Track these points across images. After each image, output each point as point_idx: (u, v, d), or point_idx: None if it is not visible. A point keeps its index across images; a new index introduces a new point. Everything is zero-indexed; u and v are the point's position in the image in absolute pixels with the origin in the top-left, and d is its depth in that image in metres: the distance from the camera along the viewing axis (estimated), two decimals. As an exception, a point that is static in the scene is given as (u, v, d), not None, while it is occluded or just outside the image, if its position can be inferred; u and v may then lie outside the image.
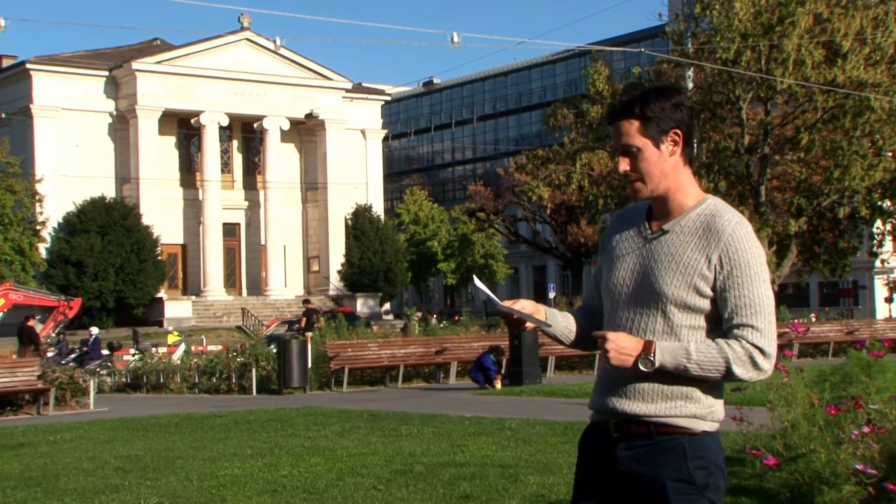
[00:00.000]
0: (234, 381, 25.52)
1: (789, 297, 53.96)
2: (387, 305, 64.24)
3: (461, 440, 12.57)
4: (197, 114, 58.24)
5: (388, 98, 73.17)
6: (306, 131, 63.45)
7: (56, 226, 53.44)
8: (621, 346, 3.26)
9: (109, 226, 53.05)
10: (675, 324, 3.31)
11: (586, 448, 3.51)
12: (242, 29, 59.89)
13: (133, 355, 35.08)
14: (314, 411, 17.56)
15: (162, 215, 56.91)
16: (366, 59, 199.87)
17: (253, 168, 63.09)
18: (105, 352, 31.88)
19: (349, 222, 62.74)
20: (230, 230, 60.95)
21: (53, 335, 34.89)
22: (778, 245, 34.95)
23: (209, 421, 16.73)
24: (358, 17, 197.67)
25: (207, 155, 58.72)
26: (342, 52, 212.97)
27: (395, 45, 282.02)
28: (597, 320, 3.55)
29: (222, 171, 60.50)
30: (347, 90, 64.07)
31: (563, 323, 3.54)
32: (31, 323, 30.62)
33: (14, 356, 28.04)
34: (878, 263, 58.94)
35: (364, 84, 68.76)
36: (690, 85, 33.59)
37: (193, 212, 59.55)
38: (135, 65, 56.65)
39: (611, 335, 3.28)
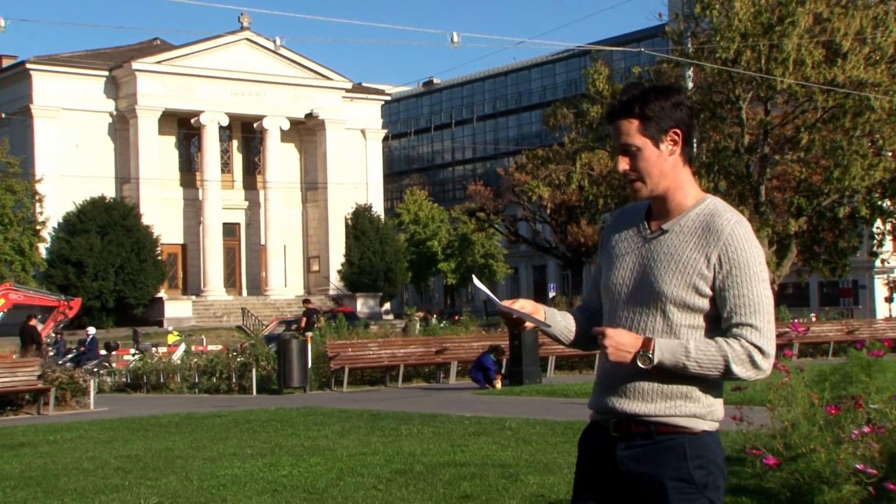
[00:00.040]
0: (234, 381, 25.52)
1: (789, 297, 53.96)
2: (387, 305, 64.25)
3: (461, 440, 12.57)
4: (197, 114, 58.25)
5: (388, 98, 73.17)
6: (306, 131, 63.46)
7: (56, 226, 53.45)
8: (620, 342, 3.26)
9: (109, 226, 53.06)
10: (675, 323, 3.31)
11: (586, 448, 3.51)
12: (242, 29, 59.89)
13: (133, 355, 35.08)
14: (314, 411, 17.56)
15: (162, 215, 56.92)
16: (366, 59, 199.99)
17: (253, 168, 63.10)
18: (102, 352, 31.84)
19: (349, 222, 62.75)
20: (230, 230, 60.96)
21: (52, 335, 34.88)
22: (778, 245, 34.96)
23: (209, 421, 16.73)
24: (358, 17, 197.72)
25: (207, 155, 58.73)
26: (342, 52, 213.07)
27: (395, 45, 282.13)
28: (596, 320, 3.55)
29: (222, 171, 60.50)
30: (347, 90, 64.08)
31: (563, 322, 3.54)
32: (33, 322, 30.61)
33: (15, 356, 28.02)
34: (878, 263, 58.96)
35: (364, 84, 68.78)
36: (690, 85, 33.60)
37: (193, 212, 59.56)
38: (135, 65, 56.66)
39: (610, 331, 3.29)
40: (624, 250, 3.47)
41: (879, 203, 36.98)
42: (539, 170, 43.49)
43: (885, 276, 61.60)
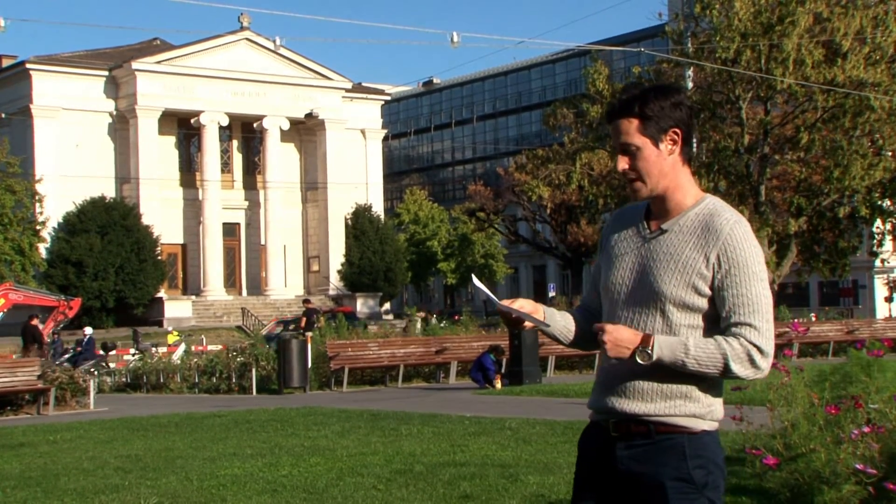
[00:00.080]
0: (234, 380, 25.52)
1: (789, 297, 53.97)
2: (387, 305, 64.25)
3: (461, 440, 12.57)
4: (197, 114, 58.24)
5: (388, 98, 73.17)
6: (306, 131, 63.46)
7: (56, 226, 53.43)
8: (619, 337, 3.26)
9: (109, 226, 53.06)
10: (674, 323, 3.31)
11: (586, 447, 3.51)
12: (242, 29, 59.89)
13: (133, 355, 35.06)
14: (314, 411, 17.56)
15: (162, 215, 56.91)
16: (366, 59, 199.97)
17: (253, 168, 63.10)
18: (99, 352, 31.81)
19: (349, 222, 62.75)
20: (230, 230, 60.95)
21: (51, 335, 34.86)
22: (778, 245, 34.96)
23: (209, 421, 16.73)
24: (358, 17, 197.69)
25: (207, 155, 58.73)
26: (342, 52, 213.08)
27: (395, 44, 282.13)
28: (596, 319, 3.54)
29: (222, 171, 60.50)
30: (347, 90, 64.07)
31: (562, 322, 3.54)
32: (34, 322, 30.61)
33: (14, 356, 28.03)
34: (878, 263, 58.95)
35: (364, 84, 68.77)
36: (690, 84, 33.59)
37: (193, 212, 59.55)
38: (135, 65, 56.65)
39: (609, 327, 3.29)
40: (623, 250, 3.47)
41: (879, 203, 36.98)
42: (539, 170, 43.49)
43: (885, 275, 61.60)
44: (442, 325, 36.64)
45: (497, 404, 18.12)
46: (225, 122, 59.34)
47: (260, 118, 60.20)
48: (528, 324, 3.46)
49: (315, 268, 63.16)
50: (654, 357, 3.24)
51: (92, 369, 27.12)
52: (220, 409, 19.16)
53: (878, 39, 32.74)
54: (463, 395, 20.76)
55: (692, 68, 34.12)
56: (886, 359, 7.54)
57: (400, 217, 76.76)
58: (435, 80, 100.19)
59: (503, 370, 22.69)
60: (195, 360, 28.52)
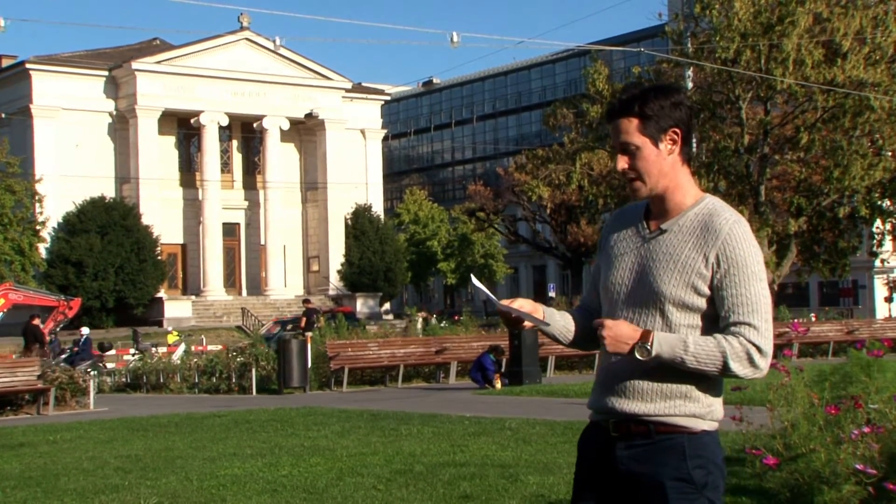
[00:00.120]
0: (234, 381, 25.52)
1: (789, 297, 53.97)
2: (387, 305, 64.26)
3: (461, 440, 12.57)
4: (197, 114, 58.24)
5: (388, 98, 73.17)
6: (306, 131, 63.46)
7: (56, 226, 53.44)
8: (619, 333, 3.26)
9: (109, 226, 53.05)
10: (674, 323, 3.31)
11: (586, 448, 3.51)
12: (242, 29, 59.89)
13: (133, 355, 35.05)
14: (314, 411, 17.56)
15: (162, 215, 56.91)
16: (366, 59, 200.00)
17: (253, 168, 63.10)
18: (96, 352, 31.78)
19: (349, 222, 62.75)
20: (230, 230, 60.95)
21: (49, 335, 34.85)
22: (778, 245, 34.95)
23: (209, 421, 16.74)
24: (358, 17, 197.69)
25: (207, 155, 58.73)
26: (342, 52, 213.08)
27: (395, 45, 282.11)
28: (595, 319, 3.54)
29: (222, 171, 60.50)
30: (347, 90, 64.08)
31: (562, 322, 3.53)
32: (36, 322, 30.64)
33: (14, 356, 28.02)
34: (877, 263, 58.94)
35: (364, 84, 68.77)
36: (690, 84, 33.60)
37: (193, 212, 59.55)
38: (135, 65, 56.66)
39: (609, 322, 3.28)
40: (623, 250, 3.47)
41: (879, 203, 36.97)
42: (539, 170, 43.49)
43: (885, 275, 61.61)
44: (442, 325, 36.65)
45: (497, 404, 18.12)
46: (225, 122, 59.35)
47: (260, 118, 60.21)
48: (527, 323, 3.46)
49: (315, 268, 63.16)
50: (654, 353, 3.24)
51: (88, 369, 27.11)
52: (220, 409, 19.15)
53: (877, 39, 32.73)
54: (463, 395, 20.76)
55: (692, 68, 34.12)
56: (886, 359, 7.54)
57: (400, 217, 76.76)
58: (435, 80, 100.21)
59: (503, 370, 22.69)
60: (195, 360, 28.53)
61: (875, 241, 40.78)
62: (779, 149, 35.21)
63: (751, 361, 3.23)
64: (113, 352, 36.21)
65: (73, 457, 12.60)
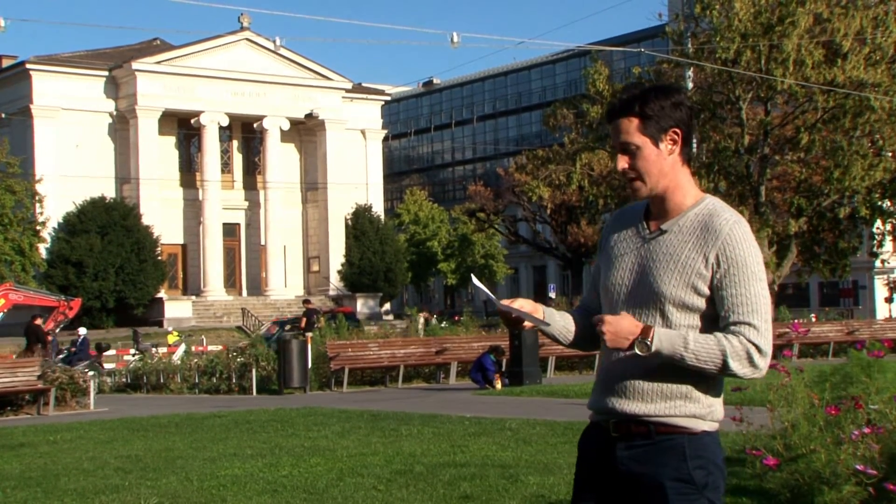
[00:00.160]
0: (234, 381, 25.53)
1: (789, 297, 53.95)
2: (387, 306, 64.25)
3: (461, 440, 12.57)
4: (197, 114, 58.24)
5: (388, 98, 73.17)
6: (306, 131, 63.46)
7: (56, 226, 53.43)
8: (619, 327, 3.25)
9: (109, 226, 53.05)
10: (674, 323, 3.31)
11: (586, 448, 3.51)
12: (242, 29, 59.89)
13: (133, 355, 35.06)
14: (314, 411, 17.56)
15: (162, 215, 56.92)
16: (366, 59, 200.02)
17: (253, 168, 63.11)
18: (94, 353, 31.77)
19: (349, 222, 62.75)
20: (230, 230, 60.96)
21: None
22: (778, 245, 34.95)
23: (209, 421, 16.73)
24: (358, 17, 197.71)
25: (207, 155, 58.73)
26: (342, 52, 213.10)
27: (395, 45, 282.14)
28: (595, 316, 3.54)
29: (222, 171, 60.50)
30: (347, 90, 64.08)
31: (562, 322, 3.53)
32: (38, 322, 30.67)
33: (14, 356, 28.02)
34: (878, 263, 58.95)
35: (364, 84, 68.77)
36: (690, 85, 33.59)
37: (193, 212, 59.56)
38: (135, 65, 56.66)
39: (609, 317, 3.27)
40: (623, 250, 3.47)
41: (879, 203, 36.96)
42: (539, 170, 43.46)
43: (885, 276, 61.60)
44: (442, 325, 36.65)
45: (497, 405, 18.12)
46: (225, 122, 59.35)
47: (260, 118, 60.21)
48: (527, 324, 3.45)
49: (315, 268, 63.16)
50: (654, 349, 3.23)
51: (86, 370, 27.11)
52: (220, 409, 19.15)
53: (878, 40, 32.73)
54: (463, 395, 20.76)
55: (692, 69, 34.12)
56: (887, 359, 7.54)
57: (400, 217, 76.75)
58: (435, 81, 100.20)
59: (503, 370, 22.68)
60: (195, 360, 28.55)
61: (875, 242, 40.78)
62: (779, 149, 35.21)
63: (750, 361, 3.23)
64: (113, 352, 36.21)
65: (74, 457, 12.60)
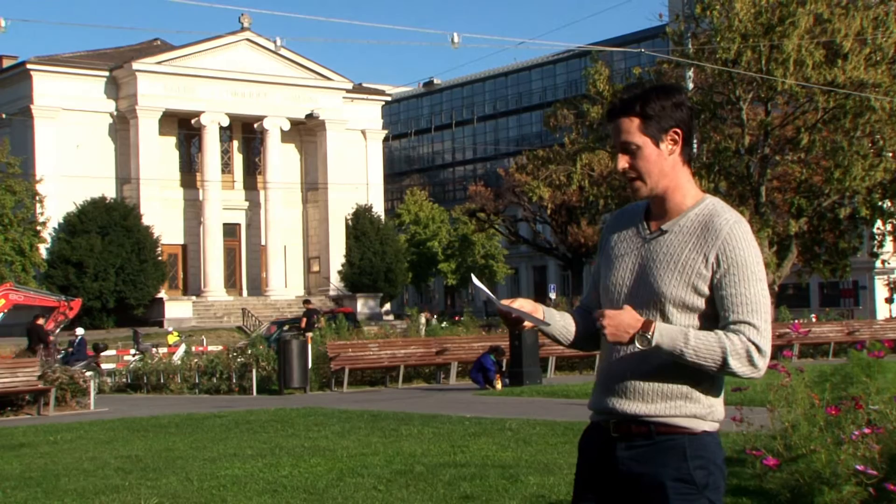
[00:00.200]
0: (234, 381, 25.53)
1: (789, 298, 53.95)
2: (387, 306, 64.25)
3: (461, 440, 12.57)
4: (197, 114, 58.25)
5: (389, 98, 73.17)
6: (306, 131, 63.47)
7: (56, 226, 53.44)
8: (620, 321, 3.24)
9: (110, 226, 53.06)
10: (674, 323, 3.30)
11: (586, 448, 3.51)
12: (243, 29, 59.90)
13: (133, 356, 35.05)
14: (314, 412, 17.56)
15: (162, 215, 56.93)
16: (366, 60, 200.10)
17: (253, 168, 63.11)
18: (91, 353, 31.73)
19: (349, 223, 62.75)
20: (230, 230, 60.97)
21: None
22: (778, 245, 34.93)
23: (209, 421, 16.73)
24: (358, 17, 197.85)
25: (208, 155, 58.74)
26: (342, 52, 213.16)
27: (396, 45, 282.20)
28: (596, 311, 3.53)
29: (223, 172, 60.51)
30: (348, 90, 64.08)
31: (562, 322, 3.52)
32: (39, 322, 30.67)
33: (13, 356, 28.01)
34: (878, 264, 58.93)
35: (364, 84, 68.78)
36: (691, 85, 33.58)
37: (194, 212, 59.56)
38: (135, 65, 56.66)
39: (610, 311, 3.27)
40: (623, 251, 3.46)
41: (880, 204, 36.95)
42: (539, 170, 43.46)
43: (886, 276, 61.60)
44: (442, 325, 36.65)
45: (497, 405, 18.12)
46: (225, 122, 59.36)
47: (260, 119, 60.22)
48: (527, 323, 3.45)
49: (315, 268, 63.17)
50: (654, 343, 3.22)
51: (83, 370, 27.10)
52: (220, 409, 19.15)
53: (878, 40, 32.71)
54: (463, 395, 20.76)
55: (693, 69, 34.11)
56: (887, 360, 7.54)
57: (400, 217, 76.76)
58: (435, 81, 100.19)
59: (503, 371, 22.68)
60: (195, 360, 28.54)
61: (876, 242, 40.78)
62: (779, 149, 35.20)
63: (750, 360, 3.22)
64: (113, 352, 36.18)
65: (74, 457, 12.60)
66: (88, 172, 55.40)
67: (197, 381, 26.71)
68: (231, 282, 60.76)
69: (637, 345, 3.23)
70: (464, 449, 11.74)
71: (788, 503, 6.83)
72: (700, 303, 3.30)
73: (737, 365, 3.21)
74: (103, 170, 57.00)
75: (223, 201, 59.25)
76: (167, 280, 56.99)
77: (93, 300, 50.65)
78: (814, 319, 35.62)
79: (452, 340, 26.43)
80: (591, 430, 3.51)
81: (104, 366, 31.76)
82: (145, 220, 54.91)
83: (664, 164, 3.36)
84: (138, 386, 28.57)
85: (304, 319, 32.60)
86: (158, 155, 57.58)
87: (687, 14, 35.50)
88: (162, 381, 27.77)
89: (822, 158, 34.30)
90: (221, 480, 10.12)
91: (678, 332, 3.24)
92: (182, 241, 59.97)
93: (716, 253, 3.28)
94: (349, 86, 64.19)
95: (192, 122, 58.68)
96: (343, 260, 61.78)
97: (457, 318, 39.40)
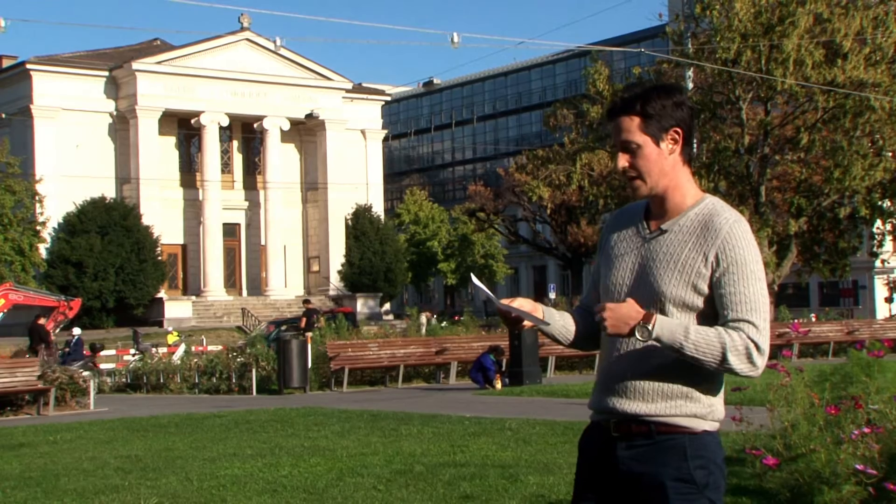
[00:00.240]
0: (234, 381, 25.52)
1: (789, 297, 53.97)
2: (387, 306, 64.25)
3: (461, 440, 12.57)
4: (197, 114, 58.24)
5: (388, 98, 73.16)
6: (306, 131, 63.46)
7: (56, 226, 53.43)
8: (620, 313, 3.23)
9: (109, 226, 53.05)
10: (674, 322, 3.31)
11: (586, 448, 3.50)
12: (242, 29, 59.88)
13: (133, 355, 35.04)
14: (314, 411, 17.55)
15: (162, 215, 56.92)
16: (366, 60, 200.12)
17: (253, 168, 63.10)
18: (88, 353, 31.72)
19: (349, 222, 62.75)
20: (230, 230, 60.96)
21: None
22: (778, 245, 34.95)
23: (209, 421, 16.73)
24: (358, 17, 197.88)
25: (207, 155, 58.73)
26: (342, 52, 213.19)
27: (395, 45, 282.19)
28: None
29: (222, 172, 60.50)
30: (347, 90, 64.07)
31: (561, 322, 3.52)
32: (41, 321, 30.67)
33: (11, 355, 28.00)
34: (878, 263, 58.98)
35: (364, 84, 68.77)
36: (691, 85, 33.60)
37: (193, 212, 59.55)
38: (135, 65, 56.65)
39: (610, 304, 3.27)
40: (623, 250, 3.46)
41: (879, 203, 36.98)
42: (539, 170, 43.51)
43: (886, 276, 61.61)
44: (442, 325, 36.65)
45: (497, 405, 18.12)
46: (225, 122, 59.36)
47: (260, 118, 60.21)
48: (527, 323, 3.45)
49: (315, 268, 63.16)
50: (654, 335, 3.21)
51: (80, 370, 27.08)
52: (220, 409, 19.15)
53: (878, 40, 32.74)
54: (463, 395, 20.75)
55: (692, 69, 34.12)
56: (886, 359, 7.54)
57: (400, 217, 76.76)
58: (435, 81, 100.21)
59: (503, 370, 22.68)
60: (195, 360, 28.53)
61: (875, 242, 40.81)
62: (779, 149, 35.22)
63: (749, 358, 3.22)
64: (112, 352, 36.16)
65: (74, 457, 12.60)
66: (88, 172, 55.39)
67: (197, 380, 26.70)
68: (231, 282, 60.76)
69: (637, 336, 3.22)
70: (463, 449, 11.74)
71: (788, 502, 6.83)
72: (700, 302, 3.29)
73: (736, 362, 3.21)
74: (103, 170, 56.99)
75: (223, 201, 59.25)
76: (167, 280, 56.98)
77: (92, 300, 50.65)
78: (813, 319, 35.61)
79: (452, 340, 26.43)
80: (591, 430, 3.51)
81: (103, 366, 31.74)
82: (145, 220, 54.90)
83: (664, 163, 3.36)
84: (138, 386, 28.57)
85: (304, 319, 32.59)
86: (158, 155, 57.57)
87: (687, 14, 35.53)
88: (162, 380, 27.77)
89: (822, 158, 34.32)
90: (221, 480, 10.12)
91: (678, 325, 3.23)
92: (182, 241, 59.97)
93: (715, 252, 3.27)
94: (349, 86, 64.19)
95: (192, 122, 58.67)
96: (343, 260, 61.78)
97: (456, 318, 39.43)
